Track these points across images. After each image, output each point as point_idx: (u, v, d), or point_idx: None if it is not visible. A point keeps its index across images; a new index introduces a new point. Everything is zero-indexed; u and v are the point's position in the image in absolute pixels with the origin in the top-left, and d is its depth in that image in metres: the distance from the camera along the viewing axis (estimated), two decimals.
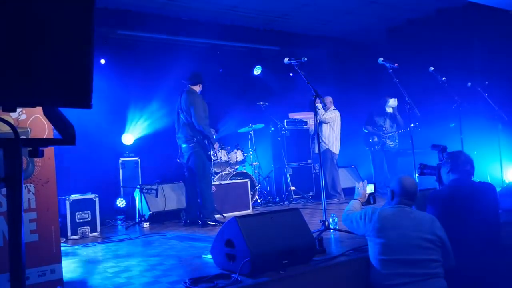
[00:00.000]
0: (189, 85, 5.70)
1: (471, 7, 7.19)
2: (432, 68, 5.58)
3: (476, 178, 7.04)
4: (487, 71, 7.38)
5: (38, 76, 1.21)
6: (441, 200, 3.16)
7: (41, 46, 1.20)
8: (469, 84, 5.86)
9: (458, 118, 5.71)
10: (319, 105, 7.18)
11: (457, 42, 7.81)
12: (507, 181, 5.99)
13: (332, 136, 7.23)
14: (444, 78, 5.45)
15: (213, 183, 6.40)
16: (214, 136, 6.53)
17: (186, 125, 5.59)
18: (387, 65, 5.09)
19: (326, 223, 4.14)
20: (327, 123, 7.14)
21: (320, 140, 7.16)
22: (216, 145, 5.83)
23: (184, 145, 5.66)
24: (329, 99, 7.29)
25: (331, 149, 7.23)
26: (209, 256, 3.37)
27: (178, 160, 7.33)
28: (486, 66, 7.53)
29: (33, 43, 1.19)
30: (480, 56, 7.67)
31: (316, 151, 7.28)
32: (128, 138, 7.50)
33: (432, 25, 8.25)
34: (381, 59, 5.13)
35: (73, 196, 5.21)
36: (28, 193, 2.64)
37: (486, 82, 6.23)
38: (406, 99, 5.24)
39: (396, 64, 5.05)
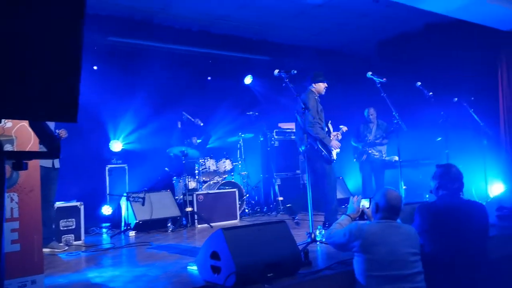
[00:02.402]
0: (312, 84, 5.34)
1: (459, 24, 7.32)
2: (419, 83, 5.65)
3: (460, 192, 7.09)
4: (473, 87, 7.50)
5: (23, 90, 1.20)
6: (428, 214, 3.17)
7: (27, 59, 1.20)
8: (456, 99, 5.94)
9: (445, 132, 5.77)
10: None
11: (444, 58, 7.93)
12: (491, 196, 6.07)
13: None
14: (431, 93, 5.53)
15: (201, 192, 6.39)
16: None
17: (300, 127, 5.25)
18: (376, 79, 5.15)
19: (313, 235, 4.15)
20: None
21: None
22: (334, 143, 5.28)
23: (300, 148, 5.37)
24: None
25: None
26: (194, 267, 3.35)
27: (167, 169, 7.32)
28: (472, 82, 7.66)
29: (19, 57, 1.19)
30: (466, 72, 7.79)
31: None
32: (116, 145, 7.46)
33: (420, 40, 8.37)
34: (370, 73, 5.18)
35: (58, 204, 5.15)
36: (11, 202, 2.60)
37: (472, 98, 6.32)
38: (394, 113, 5.30)
39: (384, 79, 5.11)
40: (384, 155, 7.19)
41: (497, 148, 7.34)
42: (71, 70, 1.26)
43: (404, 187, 5.97)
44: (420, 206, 3.25)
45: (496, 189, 6.51)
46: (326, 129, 5.49)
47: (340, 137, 5.56)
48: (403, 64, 8.15)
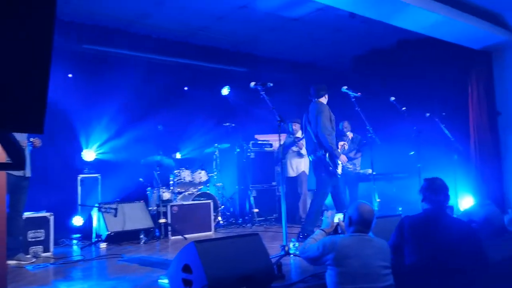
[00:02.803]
0: (316, 99, 5.53)
1: (432, 41, 7.53)
2: (393, 98, 5.77)
3: None
4: (445, 103, 7.70)
5: None
6: (409, 226, 3.18)
7: None
8: (428, 114, 6.08)
9: (417, 147, 5.89)
10: (299, 133, 7.30)
11: (417, 74, 8.13)
12: (461, 210, 6.20)
13: (306, 159, 7.35)
14: (404, 108, 5.64)
15: (175, 203, 6.31)
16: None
17: (310, 138, 5.47)
18: (350, 93, 5.23)
19: (286, 248, 4.15)
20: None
21: (294, 165, 7.27)
22: (343, 158, 5.49)
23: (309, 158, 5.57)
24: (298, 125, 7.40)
25: (306, 172, 7.34)
26: (166, 280, 3.30)
27: (141, 179, 7.21)
28: (444, 98, 7.87)
29: None
30: (439, 88, 8.00)
31: (292, 174, 7.33)
32: (89, 154, 7.32)
33: (394, 56, 8.57)
34: (345, 87, 5.27)
35: (26, 214, 5.00)
36: None
37: (443, 114, 6.48)
38: (367, 127, 5.38)
39: (358, 93, 5.20)
40: (358, 168, 7.28)
41: (467, 163, 7.53)
42: (38, 80, 1.23)
43: (378, 200, 6.05)
44: (403, 218, 3.27)
45: (466, 203, 6.66)
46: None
47: (346, 147, 5.69)
48: (378, 79, 8.31)
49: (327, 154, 5.27)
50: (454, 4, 6.60)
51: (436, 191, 3.20)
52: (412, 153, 6.42)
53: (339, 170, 5.41)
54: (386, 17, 6.46)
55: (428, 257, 2.99)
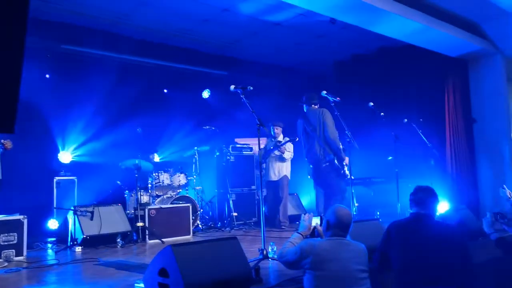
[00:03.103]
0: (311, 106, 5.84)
1: (411, 48, 7.67)
2: (372, 104, 5.85)
3: (409, 210, 7.32)
4: (422, 109, 7.85)
5: None
6: (395, 231, 3.17)
7: None
8: (405, 120, 6.18)
9: (395, 152, 5.97)
10: (280, 137, 7.32)
11: (396, 80, 8.27)
12: (437, 214, 6.29)
13: (288, 164, 7.37)
14: (382, 113, 5.72)
15: (153, 207, 6.24)
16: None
17: (312, 145, 5.74)
18: (330, 98, 5.28)
19: (265, 252, 4.14)
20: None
21: (276, 168, 7.27)
22: (347, 160, 5.76)
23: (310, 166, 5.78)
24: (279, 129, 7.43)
25: (288, 176, 7.36)
26: (142, 285, 3.25)
27: (118, 182, 7.11)
28: (422, 104, 8.01)
29: None
30: (417, 94, 8.15)
31: (274, 178, 7.32)
32: (66, 156, 7.19)
33: (374, 62, 8.70)
34: (325, 92, 5.31)
35: None
36: None
37: (421, 120, 6.60)
38: (346, 132, 5.43)
39: (338, 98, 5.25)
40: None
41: (443, 168, 7.68)
42: (9, 79, 1.20)
43: (356, 204, 6.11)
44: (390, 223, 3.27)
45: (441, 207, 6.77)
46: None
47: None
48: (357, 84, 8.42)
49: (335, 158, 5.58)
50: (432, 13, 6.74)
51: (422, 198, 3.19)
52: (390, 158, 6.51)
53: (347, 172, 5.70)
54: (366, 24, 6.55)
55: (413, 259, 2.98)
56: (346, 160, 5.73)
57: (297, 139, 6.86)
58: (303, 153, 6.36)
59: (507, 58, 8.14)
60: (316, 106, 5.86)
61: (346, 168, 5.71)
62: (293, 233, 3.47)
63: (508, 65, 8.24)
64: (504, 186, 4.82)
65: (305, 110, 6.01)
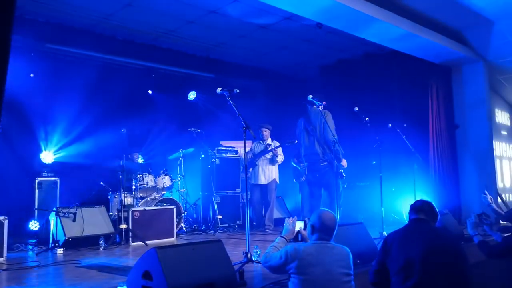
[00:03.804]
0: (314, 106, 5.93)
1: (395, 54, 7.78)
2: (356, 108, 5.90)
3: (393, 214, 7.37)
4: (406, 114, 7.95)
5: None
6: (392, 238, 3.15)
7: None
8: (390, 125, 6.24)
9: (379, 156, 6.02)
10: (269, 140, 7.33)
11: (381, 85, 8.36)
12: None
13: (277, 167, 7.38)
14: (367, 118, 5.77)
15: (137, 209, 6.19)
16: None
17: (312, 144, 5.96)
18: (315, 102, 5.31)
19: (249, 255, 4.13)
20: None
21: (267, 172, 7.28)
22: (345, 162, 5.91)
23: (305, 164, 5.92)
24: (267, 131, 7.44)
25: (276, 180, 7.36)
26: (125, 287, 3.22)
27: (102, 184, 7.03)
28: (406, 110, 8.11)
29: None
30: (401, 99, 8.25)
31: (263, 181, 7.31)
32: (48, 156, 7.08)
33: (359, 67, 8.78)
34: (310, 96, 5.34)
35: None
36: None
37: (405, 125, 6.68)
38: (332, 136, 5.47)
39: (324, 102, 5.29)
40: None
41: (426, 173, 7.77)
42: None
43: (340, 208, 6.14)
44: (387, 234, 3.23)
45: None
46: None
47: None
48: (343, 89, 8.48)
49: (334, 158, 5.78)
50: (417, 20, 6.84)
51: (416, 208, 3.17)
52: (374, 162, 6.56)
53: (344, 174, 5.91)
54: (352, 29, 6.62)
55: (410, 264, 2.93)
56: (344, 162, 5.86)
57: (296, 141, 6.94)
58: (301, 152, 6.48)
59: (489, 65, 8.31)
60: (320, 107, 5.93)
61: (342, 170, 5.85)
62: (277, 236, 3.46)
63: (490, 72, 8.41)
64: (485, 191, 4.90)
65: (308, 109, 6.09)
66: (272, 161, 7.29)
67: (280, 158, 7.27)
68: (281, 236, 3.39)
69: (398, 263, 2.95)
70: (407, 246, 2.99)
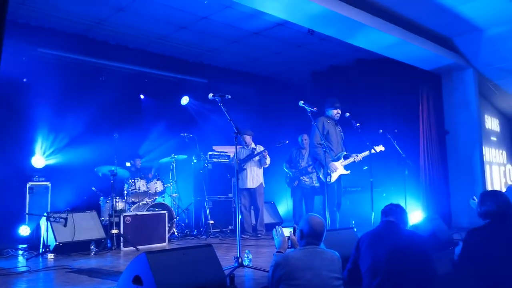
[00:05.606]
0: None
1: (387, 61, 7.86)
2: (348, 114, 5.95)
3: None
4: (396, 120, 8.02)
5: None
6: (364, 240, 3.21)
7: None
8: (381, 131, 6.30)
9: (370, 162, 6.07)
10: (252, 145, 7.36)
11: (372, 91, 8.44)
12: (410, 224, 6.41)
13: (262, 171, 7.41)
14: (358, 124, 5.82)
15: (128, 214, 6.18)
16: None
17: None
18: (307, 108, 5.34)
19: (240, 260, 4.15)
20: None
21: (255, 175, 7.30)
22: (332, 165, 5.93)
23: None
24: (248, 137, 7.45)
25: (263, 184, 7.38)
26: None
27: (94, 188, 7.01)
28: (396, 116, 8.19)
29: None
30: (392, 105, 8.33)
31: (251, 185, 7.31)
32: (39, 160, 7.04)
33: (351, 73, 8.86)
34: (302, 102, 5.37)
35: None
36: None
37: (396, 130, 6.73)
38: (323, 142, 5.51)
39: (315, 108, 5.33)
40: (314, 182, 7.41)
41: (417, 178, 7.84)
42: None
43: (337, 213, 6.18)
44: (362, 234, 3.30)
45: (415, 217, 6.91)
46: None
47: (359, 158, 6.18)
48: (334, 95, 8.50)
49: (317, 163, 6.07)
50: (408, 27, 6.93)
51: (389, 211, 3.27)
52: (365, 168, 6.61)
53: (333, 178, 6.02)
54: (344, 36, 6.69)
55: (380, 265, 3.02)
56: (332, 166, 5.89)
57: (287, 141, 7.20)
58: (292, 157, 6.65)
59: (478, 72, 8.42)
60: (332, 111, 6.20)
61: (333, 175, 5.93)
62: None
63: (479, 79, 8.52)
64: (474, 197, 4.95)
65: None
66: (260, 164, 7.33)
67: (268, 161, 7.31)
68: (277, 251, 3.35)
69: (366, 262, 3.07)
70: (375, 247, 3.10)
